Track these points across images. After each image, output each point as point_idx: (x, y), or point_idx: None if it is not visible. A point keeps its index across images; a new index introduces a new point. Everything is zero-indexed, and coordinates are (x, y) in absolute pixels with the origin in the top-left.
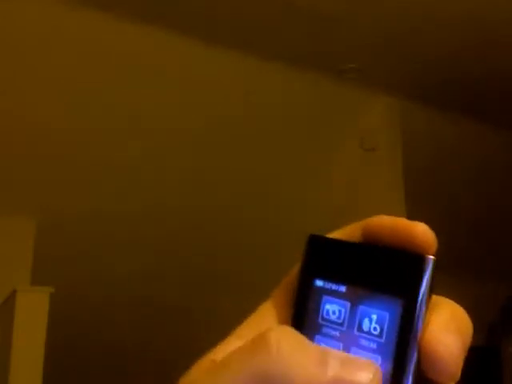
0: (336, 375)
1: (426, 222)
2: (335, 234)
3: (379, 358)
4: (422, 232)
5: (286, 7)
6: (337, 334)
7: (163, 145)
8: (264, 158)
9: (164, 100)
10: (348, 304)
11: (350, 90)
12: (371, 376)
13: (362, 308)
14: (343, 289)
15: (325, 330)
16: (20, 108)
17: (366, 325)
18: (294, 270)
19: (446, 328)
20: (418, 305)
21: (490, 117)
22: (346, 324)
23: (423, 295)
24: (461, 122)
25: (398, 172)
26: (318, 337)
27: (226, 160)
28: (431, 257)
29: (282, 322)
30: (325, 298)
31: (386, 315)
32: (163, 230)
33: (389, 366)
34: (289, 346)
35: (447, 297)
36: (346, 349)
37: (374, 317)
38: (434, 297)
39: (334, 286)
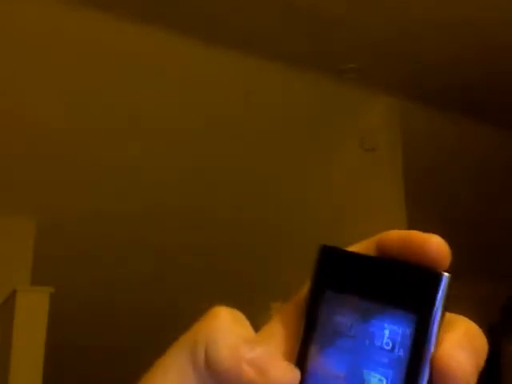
0: (255, 359)
1: (426, 222)
2: (351, 249)
3: (390, 373)
4: (436, 245)
5: (286, 7)
6: (347, 346)
7: (163, 145)
8: (264, 158)
9: (164, 100)
10: (360, 317)
11: (350, 90)
12: (286, 374)
13: (374, 322)
14: (355, 301)
15: (335, 341)
16: (20, 108)
17: (378, 339)
18: (304, 289)
19: (460, 345)
20: (433, 322)
21: (490, 117)
22: (357, 337)
23: (438, 312)
24: (461, 121)
25: (398, 172)
26: (328, 348)
27: (226, 160)
28: (447, 274)
29: (290, 340)
30: (337, 309)
31: (399, 330)
32: (163, 229)
33: (400, 382)
34: (225, 323)
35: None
36: (357, 362)
37: (387, 331)
38: (450, 314)
39: (346, 298)
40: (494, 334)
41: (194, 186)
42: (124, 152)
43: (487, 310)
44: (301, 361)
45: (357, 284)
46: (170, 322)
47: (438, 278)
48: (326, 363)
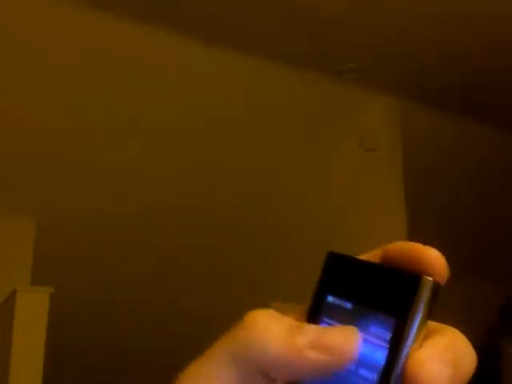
0: (310, 340)
1: (426, 222)
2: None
3: (371, 377)
4: (433, 257)
5: (286, 7)
6: None
7: (163, 145)
8: (264, 158)
9: (164, 100)
10: (351, 321)
11: (350, 90)
12: (347, 339)
13: (362, 326)
14: (349, 306)
15: None
16: (20, 108)
17: (364, 343)
18: None
19: (437, 355)
20: (408, 325)
21: (490, 117)
22: None
23: (415, 316)
24: (461, 122)
25: (398, 172)
26: None
27: (226, 160)
28: (428, 278)
29: None
30: (332, 313)
31: (382, 334)
32: (163, 229)
33: None
34: (263, 321)
35: (447, 296)
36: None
37: (372, 335)
38: (440, 325)
39: (341, 303)
40: (493, 333)
41: (194, 186)
42: (124, 152)
43: (487, 310)
44: None
45: (352, 288)
46: (170, 322)
47: (419, 281)
48: None
